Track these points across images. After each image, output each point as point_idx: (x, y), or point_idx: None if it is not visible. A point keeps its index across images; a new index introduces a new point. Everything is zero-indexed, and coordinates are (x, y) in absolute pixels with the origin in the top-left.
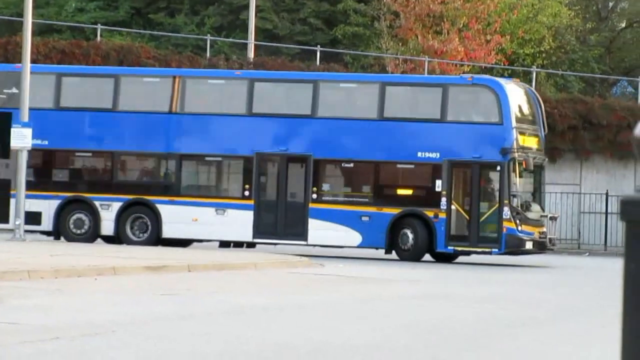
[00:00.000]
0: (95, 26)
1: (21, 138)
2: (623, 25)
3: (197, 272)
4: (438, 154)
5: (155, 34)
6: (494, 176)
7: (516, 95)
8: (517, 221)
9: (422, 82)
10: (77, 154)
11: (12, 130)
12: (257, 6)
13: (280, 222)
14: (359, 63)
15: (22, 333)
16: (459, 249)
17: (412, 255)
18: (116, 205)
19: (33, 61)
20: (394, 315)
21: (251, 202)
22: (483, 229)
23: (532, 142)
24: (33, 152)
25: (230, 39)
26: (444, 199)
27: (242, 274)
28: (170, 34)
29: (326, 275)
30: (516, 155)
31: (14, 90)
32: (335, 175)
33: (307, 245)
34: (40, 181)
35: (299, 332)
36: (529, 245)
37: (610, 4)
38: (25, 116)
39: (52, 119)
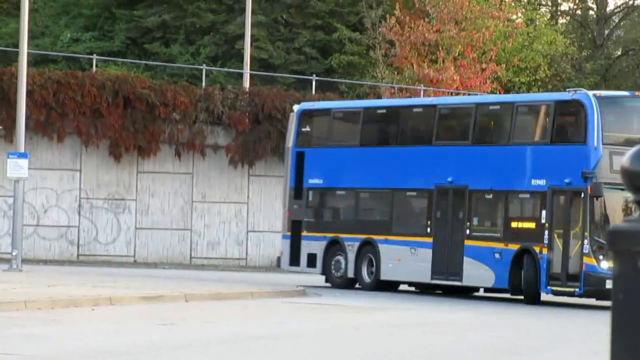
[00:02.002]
0: (90, 56)
1: (17, 169)
2: (619, 53)
3: (194, 301)
4: (544, 181)
5: (151, 63)
6: (579, 205)
7: (614, 110)
8: (600, 256)
9: (532, 101)
10: (337, 192)
11: (8, 160)
12: (252, 36)
13: (444, 260)
14: (355, 92)
15: None
16: (554, 288)
17: (527, 297)
18: (355, 246)
19: (28, 92)
20: (388, 343)
21: (430, 240)
22: (571, 266)
23: None
24: (312, 191)
25: (226, 69)
26: (546, 232)
27: (238, 303)
28: (165, 63)
29: (322, 304)
30: (599, 180)
31: (307, 128)
32: (480, 208)
33: (461, 285)
34: (315, 222)
35: None
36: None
37: (606, 32)
38: (21, 147)
39: (324, 156)
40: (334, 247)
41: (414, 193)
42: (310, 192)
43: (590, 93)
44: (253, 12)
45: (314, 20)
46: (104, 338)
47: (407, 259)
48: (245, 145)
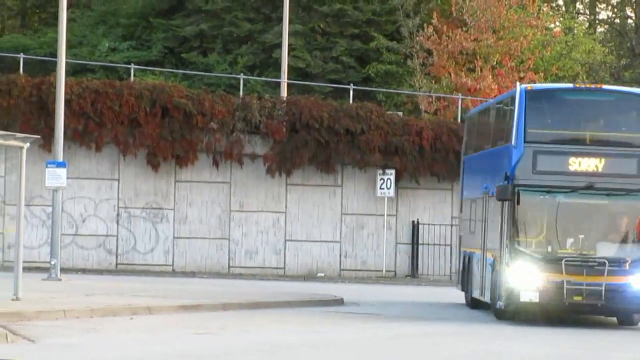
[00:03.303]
0: (128, 66)
1: (55, 178)
2: None
3: (232, 311)
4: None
5: (188, 73)
6: (507, 210)
7: (548, 104)
8: (514, 266)
9: (494, 102)
10: (471, 203)
11: (47, 169)
12: (289, 45)
13: (481, 275)
14: (392, 101)
15: None
16: (501, 303)
17: (494, 312)
18: (466, 261)
19: (66, 101)
20: (429, 352)
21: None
22: (501, 278)
23: (585, 165)
24: (464, 202)
25: (263, 78)
26: (498, 241)
27: (276, 312)
28: (203, 73)
29: (359, 313)
30: (520, 182)
31: (466, 136)
32: (490, 217)
33: (486, 302)
34: (464, 236)
35: None
36: (528, 298)
37: None
38: (59, 156)
39: (468, 164)
40: (464, 263)
41: (480, 202)
42: (463, 204)
43: (523, 87)
44: (290, 22)
45: (351, 30)
46: (142, 347)
47: (477, 274)
48: (283, 154)
